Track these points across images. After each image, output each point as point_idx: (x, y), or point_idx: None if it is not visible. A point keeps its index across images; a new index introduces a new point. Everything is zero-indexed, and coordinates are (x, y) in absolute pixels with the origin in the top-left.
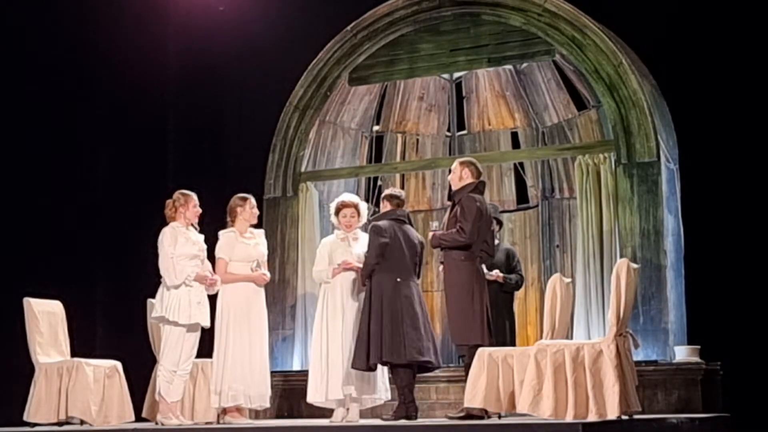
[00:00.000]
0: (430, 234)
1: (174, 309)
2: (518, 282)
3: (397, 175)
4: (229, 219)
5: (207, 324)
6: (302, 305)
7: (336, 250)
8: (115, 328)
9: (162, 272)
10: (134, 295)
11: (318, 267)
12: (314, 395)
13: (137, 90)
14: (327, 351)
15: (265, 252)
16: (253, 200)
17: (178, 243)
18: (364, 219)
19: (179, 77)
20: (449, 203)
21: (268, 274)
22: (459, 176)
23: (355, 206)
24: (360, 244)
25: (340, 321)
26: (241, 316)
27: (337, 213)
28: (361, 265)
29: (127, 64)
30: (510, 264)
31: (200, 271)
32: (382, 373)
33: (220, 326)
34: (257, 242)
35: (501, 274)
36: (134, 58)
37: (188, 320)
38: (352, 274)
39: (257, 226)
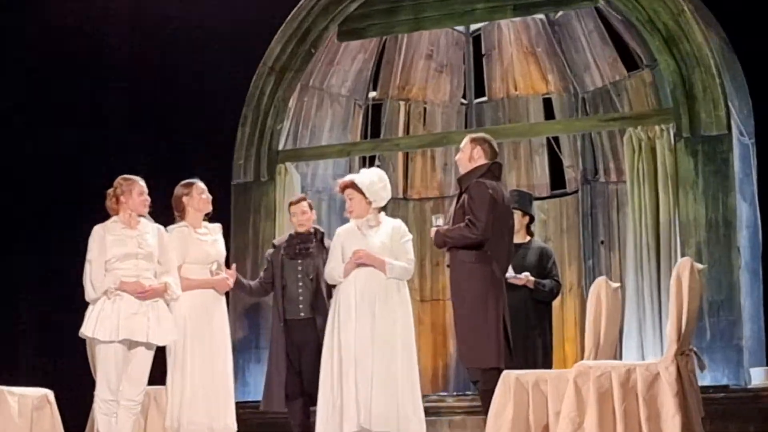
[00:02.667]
0: (433, 230)
1: (92, 322)
2: (554, 289)
3: (400, 154)
4: (176, 213)
5: (153, 340)
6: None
7: (350, 242)
8: (45, 348)
9: (83, 283)
10: (69, 308)
11: (330, 264)
12: (325, 428)
13: (63, 47)
14: (339, 370)
15: (224, 251)
16: (200, 184)
17: (107, 243)
18: (379, 198)
19: (124, 31)
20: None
21: (231, 278)
22: (469, 156)
23: (351, 185)
24: (381, 233)
25: (352, 330)
26: (201, 331)
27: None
28: (382, 259)
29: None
30: (544, 266)
31: (139, 277)
32: (412, 397)
33: (174, 344)
34: (215, 239)
35: (531, 278)
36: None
37: (111, 335)
38: (368, 271)
39: (212, 219)
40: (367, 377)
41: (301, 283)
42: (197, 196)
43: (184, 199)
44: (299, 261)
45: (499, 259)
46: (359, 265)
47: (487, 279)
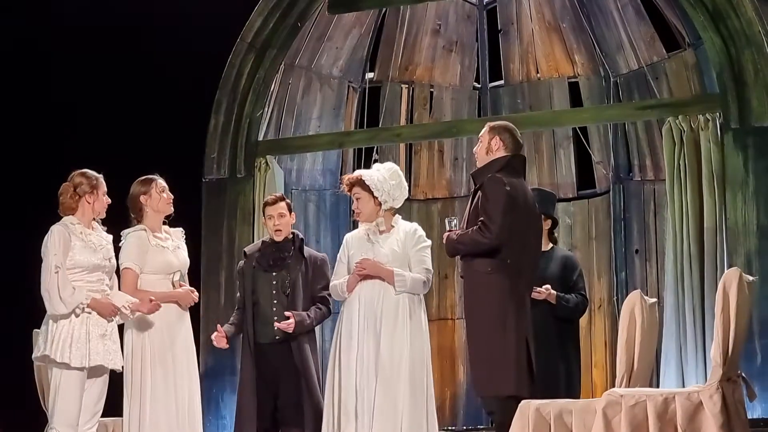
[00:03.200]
0: (445, 236)
1: (62, 345)
2: (579, 305)
3: (401, 146)
4: (132, 216)
5: (117, 366)
6: None
7: (358, 251)
8: None
9: (42, 293)
10: (14, 325)
11: (335, 277)
12: None
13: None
14: (338, 398)
15: (188, 260)
16: (160, 181)
17: (74, 248)
18: (390, 198)
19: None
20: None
21: (195, 293)
22: (486, 148)
23: (355, 183)
24: (391, 240)
25: (354, 355)
26: (162, 352)
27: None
28: (390, 270)
29: None
30: (568, 279)
31: (103, 292)
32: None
33: (132, 369)
34: (177, 245)
35: (553, 292)
36: None
37: (83, 362)
38: (376, 285)
39: (179, 222)
40: (368, 412)
41: (275, 300)
42: (157, 195)
43: (142, 198)
44: (273, 273)
45: (521, 270)
46: (364, 277)
47: (505, 292)
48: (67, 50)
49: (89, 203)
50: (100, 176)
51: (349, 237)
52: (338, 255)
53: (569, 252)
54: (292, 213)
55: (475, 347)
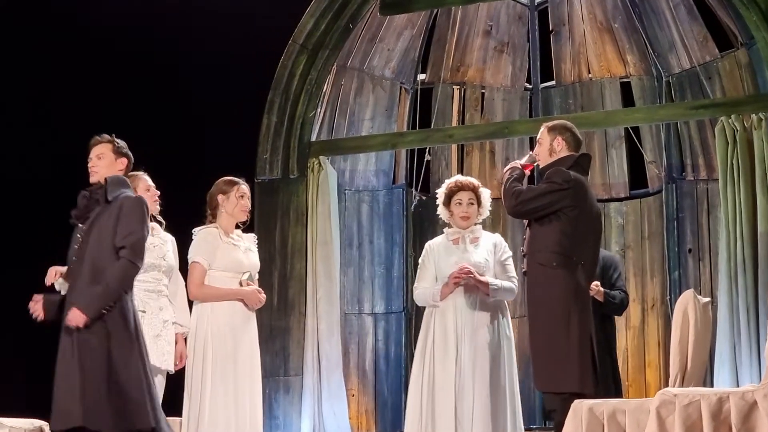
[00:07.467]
0: (515, 162)
1: None
2: (624, 301)
3: (453, 147)
4: (208, 212)
5: (170, 367)
6: (313, 339)
7: (447, 258)
8: (41, 373)
9: None
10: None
11: (421, 283)
12: None
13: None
14: (431, 405)
15: (259, 264)
16: (243, 187)
17: None
18: (486, 211)
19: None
20: None
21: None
22: (549, 149)
23: (474, 189)
24: (482, 249)
25: (453, 362)
26: (226, 352)
27: (447, 201)
28: (486, 280)
29: None
30: (609, 277)
31: (161, 293)
32: None
33: (193, 369)
34: (248, 247)
35: (601, 289)
36: None
37: None
38: (469, 292)
39: (246, 229)
40: (468, 416)
41: (74, 257)
42: (235, 199)
43: (220, 197)
44: (80, 225)
45: (585, 266)
46: (457, 283)
47: (570, 288)
48: (121, 51)
49: None
50: (140, 173)
51: (432, 243)
52: (421, 261)
53: (607, 251)
54: (123, 158)
55: (539, 343)
